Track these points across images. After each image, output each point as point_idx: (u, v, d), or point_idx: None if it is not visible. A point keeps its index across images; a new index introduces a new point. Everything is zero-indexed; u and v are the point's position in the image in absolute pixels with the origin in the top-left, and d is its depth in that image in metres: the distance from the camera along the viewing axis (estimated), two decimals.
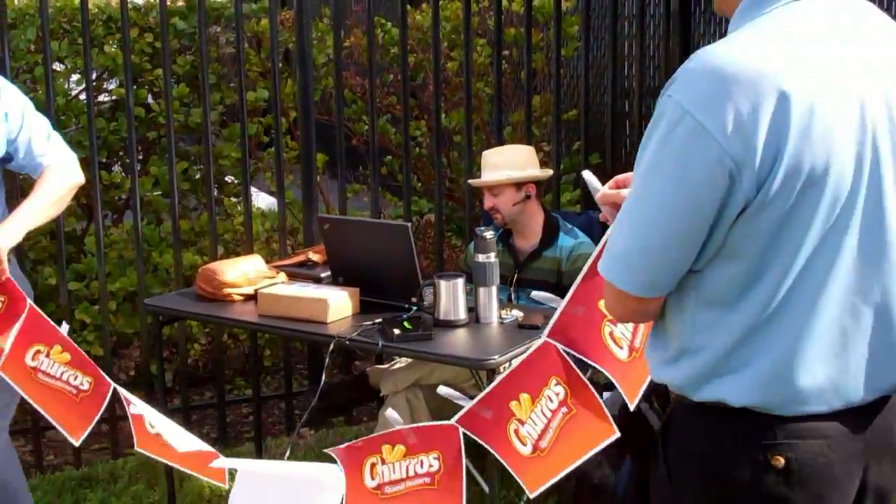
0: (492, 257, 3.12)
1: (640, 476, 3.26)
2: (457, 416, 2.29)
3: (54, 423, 2.86)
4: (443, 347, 2.92)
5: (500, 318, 3.12)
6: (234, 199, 5.00)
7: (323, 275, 3.53)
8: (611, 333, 2.20)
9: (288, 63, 5.25)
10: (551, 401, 2.23)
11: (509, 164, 3.60)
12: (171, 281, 4.45)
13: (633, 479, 3.13)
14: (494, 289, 3.12)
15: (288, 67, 5.12)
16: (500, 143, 4.24)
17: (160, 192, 4.70)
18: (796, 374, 1.49)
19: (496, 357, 2.78)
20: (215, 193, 4.48)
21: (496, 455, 2.27)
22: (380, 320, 3.08)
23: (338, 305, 3.17)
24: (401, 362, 3.52)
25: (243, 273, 3.45)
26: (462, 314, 3.09)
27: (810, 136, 1.40)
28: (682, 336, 1.57)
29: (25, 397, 2.82)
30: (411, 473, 2.32)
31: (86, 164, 3.81)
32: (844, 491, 1.57)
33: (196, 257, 4.57)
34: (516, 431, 2.24)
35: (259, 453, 4.01)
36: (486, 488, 3.42)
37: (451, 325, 3.07)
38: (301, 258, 3.68)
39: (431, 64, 4.70)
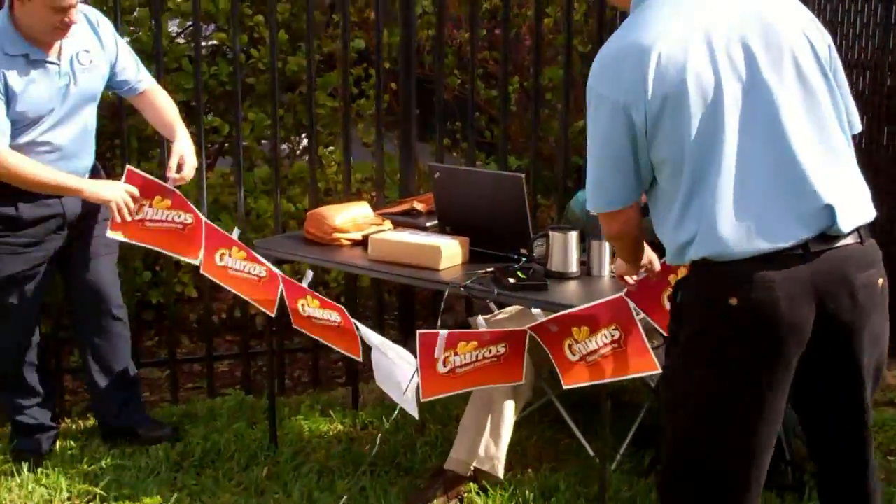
0: None
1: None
2: (531, 325, 2.84)
3: (252, 301, 3.44)
4: (556, 297, 2.95)
5: (611, 271, 3.14)
6: (327, 149, 5.03)
7: (428, 224, 3.56)
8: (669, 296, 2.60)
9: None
10: (605, 337, 2.77)
11: None
12: (265, 227, 4.51)
13: None
14: (607, 243, 3.13)
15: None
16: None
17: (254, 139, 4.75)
18: (720, 226, 2.04)
19: None
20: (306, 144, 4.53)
21: (549, 353, 2.85)
22: (491, 269, 3.12)
23: (450, 253, 3.20)
24: (503, 314, 3.55)
25: (351, 218, 3.50)
26: (574, 267, 3.12)
27: (667, 72, 2.05)
28: (666, 229, 2.18)
29: (228, 288, 3.46)
30: (480, 357, 2.88)
31: (184, 108, 3.90)
32: (800, 334, 2.05)
33: (289, 205, 4.62)
34: (570, 346, 2.81)
35: (355, 398, 4.07)
36: (582, 440, 3.48)
37: (563, 277, 3.10)
38: (406, 206, 3.72)
39: (528, 20, 4.71)
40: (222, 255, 3.39)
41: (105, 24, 3.40)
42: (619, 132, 2.13)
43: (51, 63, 3.19)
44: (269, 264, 3.35)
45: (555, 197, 4.51)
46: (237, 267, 3.38)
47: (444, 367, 2.85)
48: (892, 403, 4.09)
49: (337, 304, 3.18)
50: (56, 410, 3.71)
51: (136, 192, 3.31)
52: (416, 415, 2.89)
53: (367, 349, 3.09)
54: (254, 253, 3.38)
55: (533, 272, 3.07)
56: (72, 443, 3.66)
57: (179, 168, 3.42)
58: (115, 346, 3.61)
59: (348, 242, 3.47)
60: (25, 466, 3.43)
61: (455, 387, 2.90)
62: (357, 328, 3.08)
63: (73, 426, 3.86)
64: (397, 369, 2.92)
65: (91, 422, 3.85)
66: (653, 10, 2.15)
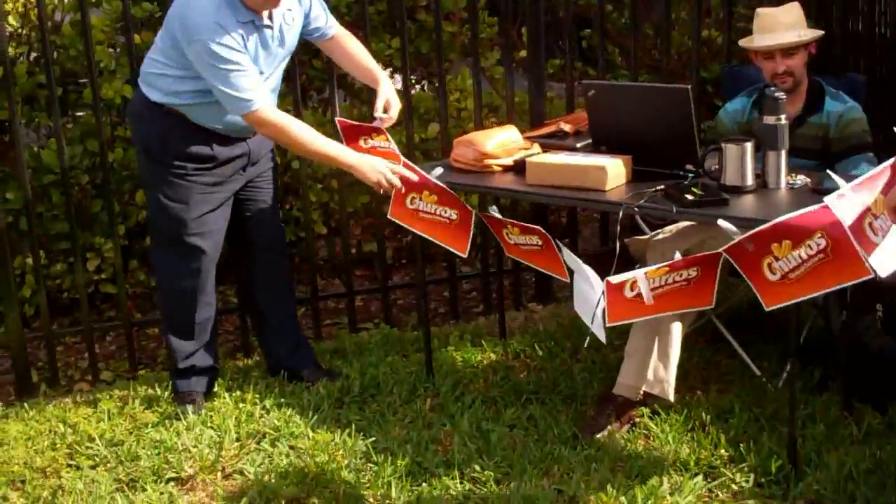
0: (783, 119, 2.98)
1: None
2: (726, 246, 2.64)
3: (443, 244, 3.35)
4: (740, 212, 2.82)
5: (789, 183, 3.00)
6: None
7: (578, 144, 3.45)
8: (871, 224, 2.54)
9: None
10: (811, 248, 2.53)
11: (798, 22, 3.44)
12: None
13: None
14: (784, 153, 2.99)
15: None
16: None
17: None
18: None
19: None
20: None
21: (743, 276, 2.64)
22: (661, 187, 3.00)
23: (615, 173, 3.08)
24: (664, 232, 3.44)
25: (501, 143, 3.39)
26: (750, 180, 2.98)
27: None
28: None
29: (417, 232, 3.38)
30: (670, 281, 2.73)
31: None
32: None
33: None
34: (769, 265, 2.60)
35: (502, 327, 4.01)
36: (747, 359, 3.38)
37: (739, 191, 2.96)
38: (552, 128, 3.60)
39: None
40: (412, 198, 3.32)
41: None
42: None
43: (268, 28, 3.24)
44: (465, 205, 3.28)
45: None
46: (428, 210, 3.31)
47: (632, 291, 2.74)
48: None
49: (537, 228, 3.11)
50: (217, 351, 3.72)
51: (402, 171, 3.28)
52: (603, 339, 2.80)
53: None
54: (451, 193, 3.27)
55: (706, 187, 2.95)
56: (231, 383, 3.66)
57: (386, 110, 3.44)
58: (287, 286, 3.69)
59: (500, 168, 3.37)
60: (190, 409, 3.44)
61: (643, 312, 2.79)
62: (559, 249, 3.02)
63: (229, 365, 3.87)
64: (592, 293, 2.83)
65: (244, 361, 3.85)
66: None
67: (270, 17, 3.22)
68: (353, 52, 3.56)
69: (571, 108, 4.30)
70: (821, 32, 3.50)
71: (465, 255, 3.37)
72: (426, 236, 3.37)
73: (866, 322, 3.24)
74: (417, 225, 3.37)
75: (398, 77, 4.85)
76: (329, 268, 4.74)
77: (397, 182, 3.26)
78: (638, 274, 2.71)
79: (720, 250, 2.68)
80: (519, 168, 3.34)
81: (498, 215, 3.28)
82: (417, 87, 4.95)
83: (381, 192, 3.31)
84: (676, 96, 3.09)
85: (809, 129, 3.43)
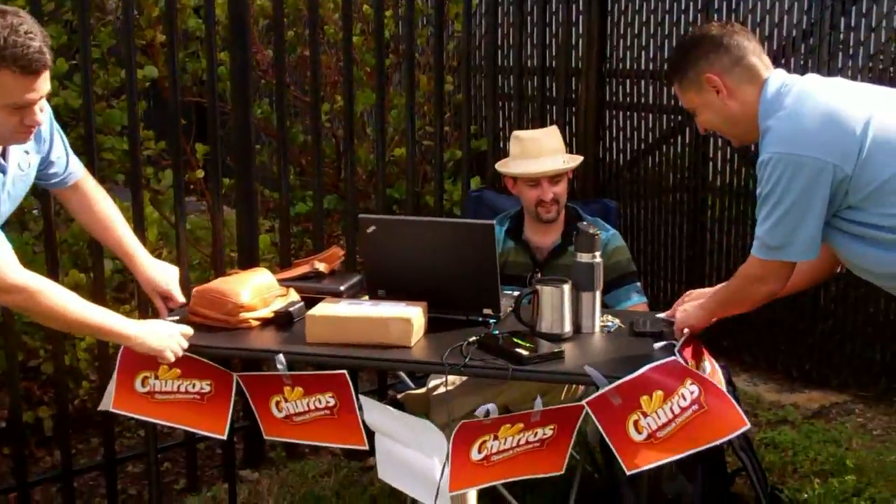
0: (597, 256, 2.70)
1: (711, 486, 3.05)
2: (589, 398, 2.34)
3: (199, 431, 2.67)
4: (577, 367, 2.45)
5: (603, 326, 2.72)
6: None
7: (342, 287, 2.91)
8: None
9: None
10: (684, 398, 2.30)
11: (561, 147, 3.23)
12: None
13: (704, 490, 2.93)
14: (599, 294, 2.71)
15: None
16: None
17: None
18: None
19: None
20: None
21: (603, 434, 2.36)
22: (473, 339, 2.56)
23: (419, 325, 2.60)
24: (448, 386, 2.98)
25: (257, 291, 2.76)
26: (568, 326, 2.65)
27: None
28: None
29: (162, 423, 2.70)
30: (523, 442, 2.37)
31: None
32: None
33: None
34: (636, 422, 2.32)
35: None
36: None
37: (557, 338, 2.61)
38: (305, 268, 3.02)
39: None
40: (144, 379, 2.54)
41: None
42: None
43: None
44: (221, 369, 2.60)
45: None
46: (168, 389, 2.55)
47: (479, 453, 2.32)
48: (787, 421, 4.06)
49: (341, 374, 2.49)
50: None
51: (190, 332, 2.55)
52: None
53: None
54: (198, 359, 2.56)
55: (526, 337, 2.56)
56: None
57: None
58: None
59: (257, 322, 2.73)
60: None
61: (488, 478, 2.37)
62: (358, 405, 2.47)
63: None
64: (427, 460, 2.33)
65: None
66: None
67: (4, 157, 2.31)
68: (101, 209, 2.70)
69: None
70: (580, 158, 3.34)
71: (224, 438, 2.66)
72: (173, 424, 2.68)
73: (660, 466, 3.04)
74: (155, 413, 2.60)
75: None
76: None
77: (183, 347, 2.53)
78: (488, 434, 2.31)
79: (583, 403, 2.35)
80: (281, 321, 2.73)
81: (284, 371, 2.55)
82: None
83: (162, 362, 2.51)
84: (476, 233, 2.70)
85: (571, 258, 3.21)
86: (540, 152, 3.21)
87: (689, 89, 2.41)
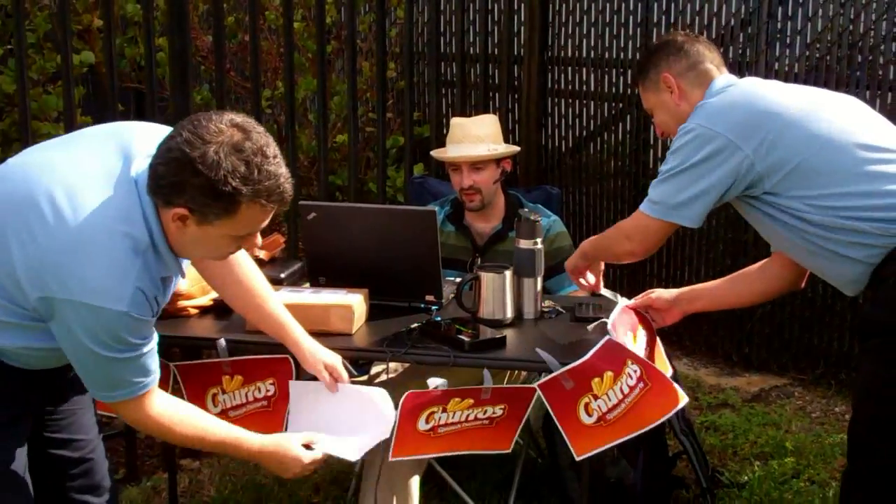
0: (539, 243, 2.71)
1: (652, 469, 3.09)
2: (541, 381, 2.35)
3: None
4: (520, 352, 2.47)
5: (541, 311, 2.73)
6: None
7: (283, 274, 2.89)
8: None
9: None
10: (631, 377, 2.32)
11: (490, 136, 3.20)
12: None
13: (646, 474, 2.97)
14: (540, 280, 2.72)
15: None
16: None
17: None
18: None
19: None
20: None
21: (554, 418, 2.36)
22: (414, 325, 2.56)
23: (360, 312, 2.59)
24: (390, 373, 2.98)
25: (196, 279, 2.71)
26: (509, 312, 2.66)
27: None
28: None
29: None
30: (471, 417, 2.38)
31: None
32: None
33: None
34: (587, 405, 2.34)
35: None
36: None
37: (498, 324, 2.62)
38: None
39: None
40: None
41: None
42: None
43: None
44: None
45: None
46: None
47: (427, 424, 2.34)
48: (728, 404, 4.12)
49: (278, 357, 2.44)
50: None
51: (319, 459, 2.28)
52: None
53: None
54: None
55: (468, 324, 2.57)
56: None
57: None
58: None
59: (196, 311, 2.70)
60: None
61: (433, 448, 2.40)
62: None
63: None
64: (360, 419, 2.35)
65: None
66: None
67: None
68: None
69: None
70: (516, 148, 3.33)
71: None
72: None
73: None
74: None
75: None
76: None
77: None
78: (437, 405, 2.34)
79: (535, 385, 2.36)
80: (219, 309, 2.70)
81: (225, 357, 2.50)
82: None
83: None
84: (418, 220, 2.70)
85: (511, 244, 3.22)
86: (463, 138, 3.21)
87: (649, 89, 2.53)
